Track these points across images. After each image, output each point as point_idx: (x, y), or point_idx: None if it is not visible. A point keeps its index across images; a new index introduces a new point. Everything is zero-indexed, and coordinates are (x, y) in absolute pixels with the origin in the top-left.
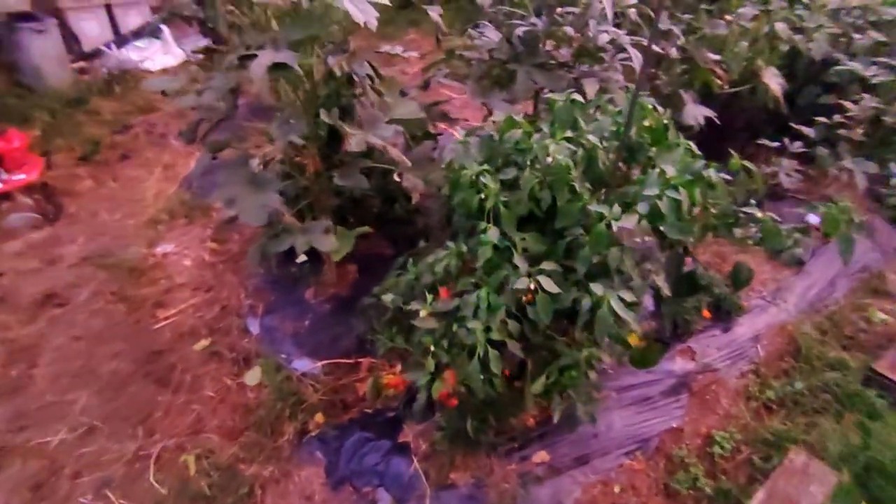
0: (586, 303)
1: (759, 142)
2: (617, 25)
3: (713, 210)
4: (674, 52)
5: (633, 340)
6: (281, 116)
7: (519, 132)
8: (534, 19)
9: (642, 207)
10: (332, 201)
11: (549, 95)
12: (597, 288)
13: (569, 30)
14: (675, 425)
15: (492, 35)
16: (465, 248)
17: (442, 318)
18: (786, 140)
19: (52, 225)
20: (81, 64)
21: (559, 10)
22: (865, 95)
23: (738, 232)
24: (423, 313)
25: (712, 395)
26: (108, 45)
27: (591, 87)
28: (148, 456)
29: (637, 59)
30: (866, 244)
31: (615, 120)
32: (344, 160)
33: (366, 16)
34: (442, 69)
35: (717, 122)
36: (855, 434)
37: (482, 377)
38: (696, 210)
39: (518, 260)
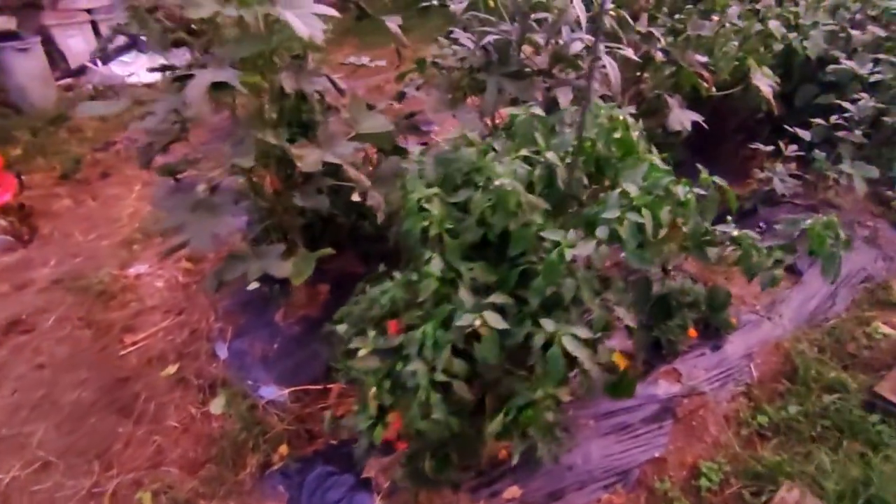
0: (539, 339)
1: (754, 146)
2: (597, 30)
3: (684, 229)
4: (659, 56)
5: (618, 361)
6: (234, 137)
7: (473, 150)
8: (505, 26)
9: (601, 232)
10: (297, 221)
11: (509, 109)
12: (548, 324)
13: (539, 38)
14: (658, 455)
15: (467, 42)
16: (415, 277)
17: (386, 356)
18: (782, 143)
19: (25, 247)
20: (67, 80)
21: (534, 15)
22: (864, 95)
23: (712, 252)
24: (363, 352)
25: (699, 421)
26: (93, 61)
27: (564, 97)
28: (103, 493)
29: (612, 67)
30: (871, 252)
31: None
32: (306, 179)
33: (311, 29)
34: (415, 79)
35: (706, 126)
36: (855, 466)
37: (427, 422)
38: (663, 231)
39: (464, 293)
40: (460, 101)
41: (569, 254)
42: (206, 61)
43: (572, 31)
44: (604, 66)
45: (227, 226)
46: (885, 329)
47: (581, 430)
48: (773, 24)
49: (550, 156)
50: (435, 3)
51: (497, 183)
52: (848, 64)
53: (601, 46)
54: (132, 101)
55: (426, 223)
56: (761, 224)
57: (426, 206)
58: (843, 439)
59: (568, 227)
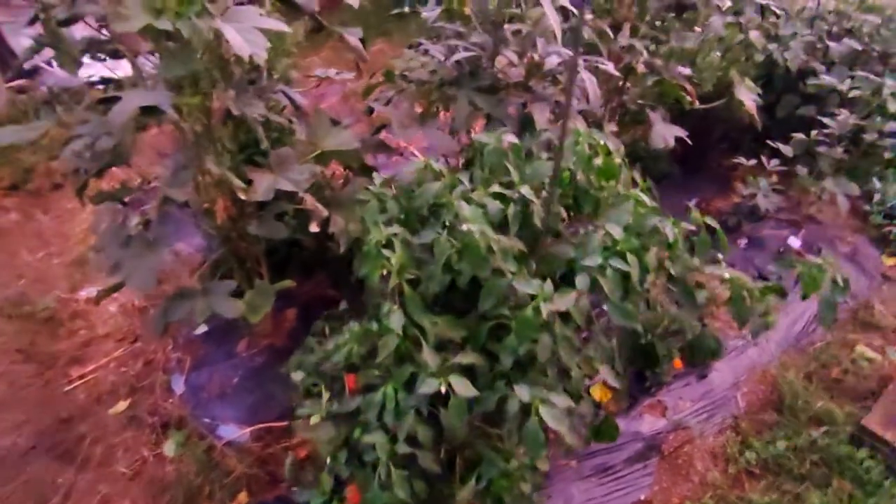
0: (513, 405)
1: (737, 159)
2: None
3: (671, 271)
4: (641, 67)
5: (598, 395)
6: (174, 163)
7: (437, 185)
8: (476, 38)
9: (581, 282)
10: (257, 247)
11: (476, 137)
12: (523, 391)
13: (511, 54)
14: (642, 497)
15: (434, 52)
16: (374, 327)
17: (342, 422)
18: (764, 158)
19: None
20: (20, 82)
21: (508, 26)
22: (843, 110)
23: (701, 296)
24: (314, 419)
25: (685, 458)
26: (49, 62)
27: (540, 114)
28: None
29: (590, 83)
30: (852, 270)
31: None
32: (262, 205)
33: (253, 47)
34: (385, 91)
35: (689, 141)
36: None
37: (387, 494)
38: (650, 278)
39: (428, 353)
40: (430, 116)
41: (545, 309)
42: (139, 79)
43: (547, 43)
44: (582, 81)
45: (166, 263)
46: (869, 353)
47: (561, 472)
48: (754, 35)
49: (525, 191)
50: (406, 9)
51: (464, 227)
52: (827, 78)
53: (579, 60)
54: (55, 123)
55: (385, 271)
56: (745, 240)
57: (385, 251)
58: (832, 477)
59: (544, 270)
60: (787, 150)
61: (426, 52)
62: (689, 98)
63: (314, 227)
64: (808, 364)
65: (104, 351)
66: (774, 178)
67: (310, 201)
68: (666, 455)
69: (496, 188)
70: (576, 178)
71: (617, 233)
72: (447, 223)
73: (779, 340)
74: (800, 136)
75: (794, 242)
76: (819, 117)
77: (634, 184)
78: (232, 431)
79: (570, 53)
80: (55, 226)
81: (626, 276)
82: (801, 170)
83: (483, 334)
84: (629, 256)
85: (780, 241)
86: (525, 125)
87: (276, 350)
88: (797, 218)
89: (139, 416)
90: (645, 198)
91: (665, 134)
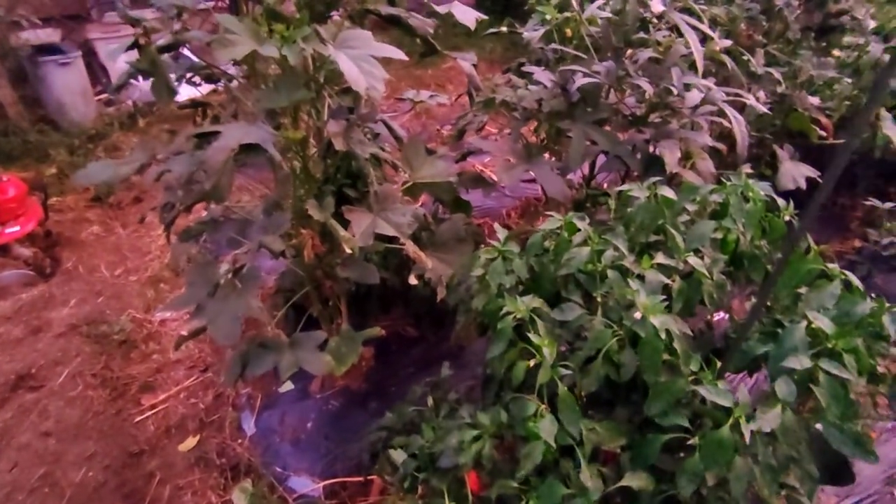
0: None
1: (870, 201)
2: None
3: (883, 369)
4: (762, 95)
5: None
6: (267, 203)
7: (586, 251)
8: (597, 66)
9: (785, 390)
10: (343, 285)
11: (623, 188)
12: None
13: (645, 84)
14: None
15: (542, 78)
16: (504, 418)
17: None
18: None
19: (46, 281)
20: (107, 96)
21: (629, 51)
22: None
23: None
24: None
25: None
26: (135, 77)
27: (671, 154)
28: None
29: (739, 125)
30: None
31: (722, 222)
32: None
33: (370, 79)
34: (478, 115)
35: (821, 181)
36: None
37: None
38: (862, 384)
39: (587, 474)
40: (536, 154)
41: (747, 430)
42: (237, 111)
43: (682, 74)
44: (717, 112)
45: (252, 311)
46: None
47: None
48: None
49: (694, 262)
50: (504, 30)
51: (637, 315)
52: None
53: (721, 94)
54: (149, 158)
55: (530, 364)
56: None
57: (529, 334)
58: None
59: (731, 367)
60: None
61: (525, 75)
62: (821, 132)
63: (413, 280)
64: None
65: (175, 379)
66: None
67: (411, 249)
68: None
69: (661, 259)
70: (739, 242)
71: (827, 327)
72: (599, 298)
73: None
74: None
75: None
76: None
77: (807, 250)
78: (304, 484)
79: (711, 86)
80: (132, 241)
81: (844, 386)
82: None
83: (655, 451)
84: (846, 358)
85: None
86: (648, 166)
87: (352, 394)
88: None
89: (207, 456)
90: (853, 278)
91: (795, 174)
